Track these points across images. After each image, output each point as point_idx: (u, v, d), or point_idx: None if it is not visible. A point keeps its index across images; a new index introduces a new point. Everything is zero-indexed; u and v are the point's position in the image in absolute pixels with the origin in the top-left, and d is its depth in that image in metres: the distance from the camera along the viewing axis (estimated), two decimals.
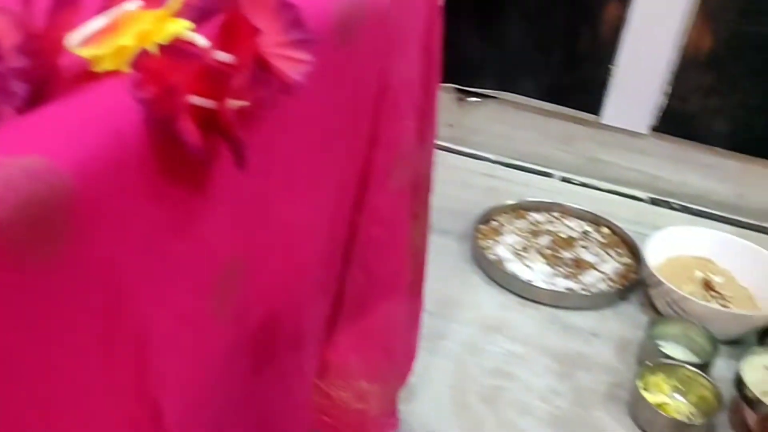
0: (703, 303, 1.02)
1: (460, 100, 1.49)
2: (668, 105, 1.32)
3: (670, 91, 1.30)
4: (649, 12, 1.26)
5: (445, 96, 1.50)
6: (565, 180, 1.44)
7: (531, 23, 1.37)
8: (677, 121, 1.33)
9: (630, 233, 1.24)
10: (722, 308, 1.04)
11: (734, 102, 1.28)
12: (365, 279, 0.70)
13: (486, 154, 1.49)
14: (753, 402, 0.89)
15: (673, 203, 1.39)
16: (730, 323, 1.03)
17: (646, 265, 1.09)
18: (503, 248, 1.20)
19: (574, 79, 1.39)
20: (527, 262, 1.17)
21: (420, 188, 0.75)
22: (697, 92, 1.29)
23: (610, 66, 1.32)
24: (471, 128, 1.51)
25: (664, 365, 0.95)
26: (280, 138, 0.46)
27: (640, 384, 0.92)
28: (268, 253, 0.50)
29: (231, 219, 0.44)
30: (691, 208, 1.37)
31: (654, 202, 1.39)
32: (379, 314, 0.74)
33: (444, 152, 1.51)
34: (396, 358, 0.80)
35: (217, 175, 0.40)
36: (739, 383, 0.91)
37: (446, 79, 1.47)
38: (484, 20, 1.39)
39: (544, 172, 1.46)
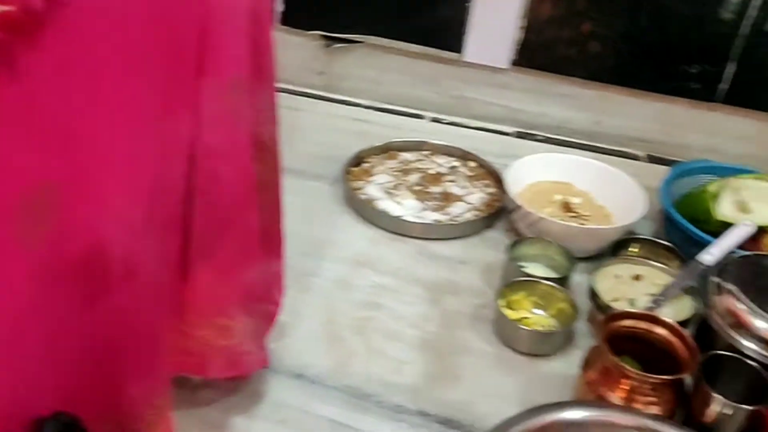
0: (559, 222, 1.08)
1: (327, 46, 1.48)
2: (525, 38, 1.36)
3: (525, 24, 1.34)
4: None
5: (311, 43, 1.49)
6: (435, 120, 1.47)
7: None
8: (535, 54, 1.38)
9: (499, 166, 1.27)
10: (576, 225, 1.09)
11: (586, 32, 1.33)
12: (212, 215, 0.70)
13: (357, 99, 1.50)
14: (603, 308, 0.94)
15: (537, 135, 1.44)
16: (586, 239, 1.08)
17: (507, 192, 1.13)
18: (374, 188, 1.21)
19: (436, 20, 1.40)
20: (397, 199, 1.19)
21: (263, 124, 0.74)
22: (551, 24, 1.34)
23: (466, 4, 1.35)
24: (340, 74, 1.51)
25: (525, 283, 0.99)
26: (79, 57, 0.45)
27: (501, 302, 0.96)
28: (87, 179, 0.49)
29: (29, 141, 0.43)
30: (554, 138, 1.43)
31: (519, 135, 1.44)
32: (231, 250, 0.74)
33: (315, 100, 1.51)
34: (258, 295, 0.81)
35: (3, 94, 0.39)
36: (592, 292, 0.97)
37: (312, 26, 1.47)
38: None
39: (415, 114, 1.48)
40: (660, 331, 0.83)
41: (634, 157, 1.40)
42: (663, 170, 1.22)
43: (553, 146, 1.41)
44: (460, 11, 1.36)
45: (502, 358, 0.94)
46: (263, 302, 0.83)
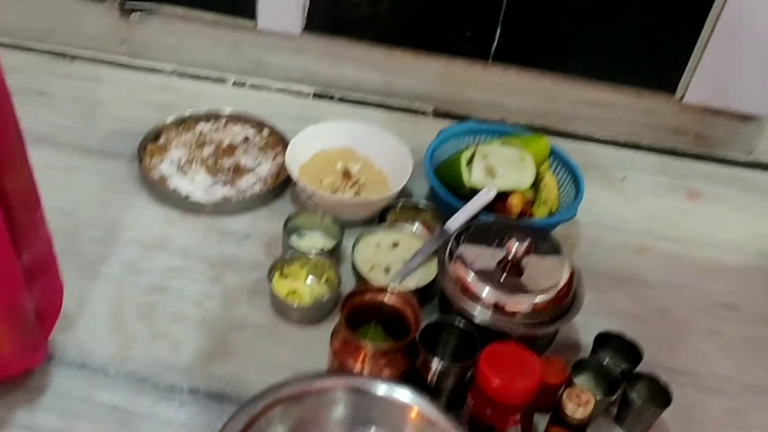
0: (330, 196, 1.18)
1: (125, 15, 1.49)
2: (313, 4, 1.42)
3: None
4: None
5: (110, 12, 1.50)
6: (237, 84, 1.53)
7: None
8: (325, 18, 1.44)
9: (296, 131, 1.34)
10: (345, 199, 1.19)
11: None
12: None
13: (159, 65, 1.53)
14: (361, 278, 1.06)
15: (333, 95, 1.52)
16: (358, 209, 1.19)
17: (287, 167, 1.22)
18: (167, 165, 1.28)
19: None
20: (190, 176, 1.26)
21: None
22: None
23: None
24: (141, 43, 1.53)
25: (298, 255, 1.10)
26: None
27: (273, 276, 1.07)
28: None
29: None
30: (349, 98, 1.52)
31: (316, 95, 1.52)
32: None
33: (117, 68, 1.53)
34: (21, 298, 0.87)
35: None
36: (352, 263, 1.09)
37: None
38: None
39: (218, 78, 1.53)
40: (392, 300, 0.96)
41: (423, 113, 1.51)
42: (449, 125, 1.35)
43: (348, 105, 1.50)
44: None
45: (276, 329, 1.05)
46: (38, 302, 0.89)
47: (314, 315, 1.05)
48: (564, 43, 1.42)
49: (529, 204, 1.19)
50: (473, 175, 1.17)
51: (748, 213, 1.38)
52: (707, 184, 1.44)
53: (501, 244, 0.98)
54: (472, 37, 1.42)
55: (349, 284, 1.09)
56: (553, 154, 1.27)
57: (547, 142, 1.24)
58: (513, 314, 0.94)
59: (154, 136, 1.33)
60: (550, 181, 1.22)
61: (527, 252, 0.96)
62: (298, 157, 1.25)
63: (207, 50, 1.52)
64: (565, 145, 1.38)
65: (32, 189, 0.85)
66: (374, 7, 1.41)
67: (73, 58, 1.53)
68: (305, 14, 1.43)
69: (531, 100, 1.49)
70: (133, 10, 1.48)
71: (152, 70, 1.53)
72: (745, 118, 1.47)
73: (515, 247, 0.96)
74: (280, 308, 1.06)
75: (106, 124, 1.38)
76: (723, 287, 1.21)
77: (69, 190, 1.22)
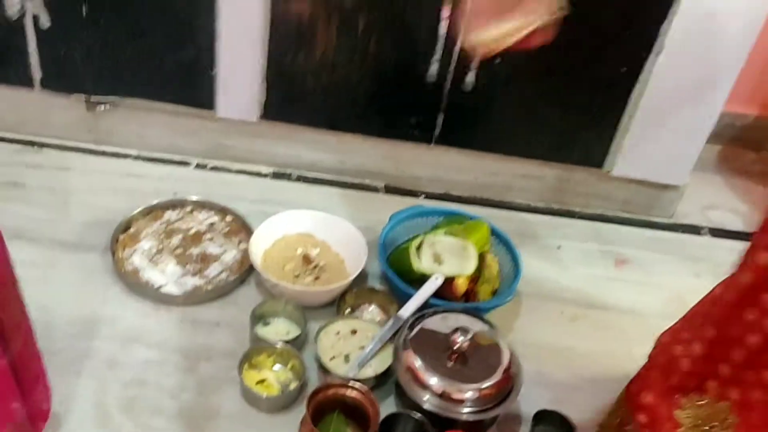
0: (290, 285, 1.29)
1: (91, 108, 1.58)
2: (269, 94, 1.53)
3: (267, 83, 1.51)
4: (234, 26, 1.44)
5: (76, 105, 1.59)
6: (199, 166, 1.63)
7: (141, 38, 1.48)
8: (280, 107, 1.56)
9: (257, 212, 1.45)
10: (304, 289, 1.31)
11: (326, 85, 1.52)
12: None
13: (125, 151, 1.63)
14: (323, 367, 1.18)
15: (291, 174, 1.64)
16: (317, 296, 1.31)
17: (249, 254, 1.33)
18: (139, 256, 1.37)
19: (192, 82, 1.54)
20: (161, 266, 1.36)
21: None
22: (293, 79, 1.51)
23: (211, 72, 1.50)
24: (106, 131, 1.62)
25: (264, 345, 1.21)
26: None
27: (243, 368, 1.17)
28: None
29: None
30: (306, 176, 1.63)
31: (275, 175, 1.63)
32: None
33: (85, 155, 1.62)
34: (11, 407, 0.96)
35: None
36: (315, 352, 1.20)
37: (74, 89, 1.56)
38: (101, 34, 1.48)
39: (180, 162, 1.63)
40: (353, 394, 1.07)
41: (375, 189, 1.64)
42: (399, 200, 1.47)
43: (306, 184, 1.62)
44: (208, 76, 1.51)
45: (248, 417, 1.15)
46: (28, 410, 0.99)
47: (282, 403, 1.16)
48: (500, 126, 1.56)
49: (474, 282, 1.32)
50: (422, 263, 1.30)
51: (670, 276, 1.54)
52: (633, 249, 1.59)
53: (448, 334, 1.11)
54: (416, 124, 1.55)
55: (312, 369, 1.20)
56: (494, 233, 1.41)
57: (487, 227, 1.38)
58: (460, 402, 1.07)
59: (125, 226, 1.42)
60: (491, 262, 1.36)
61: (471, 343, 1.09)
62: (261, 244, 1.36)
63: (169, 135, 1.62)
64: (504, 215, 1.52)
65: (18, 303, 0.95)
66: (326, 97, 1.53)
67: (42, 146, 1.62)
68: (262, 104, 1.54)
69: (472, 175, 1.62)
70: (99, 103, 1.57)
71: (118, 156, 1.62)
72: (665, 186, 1.63)
73: (460, 339, 1.09)
74: (251, 398, 1.17)
75: (78, 214, 1.47)
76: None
77: (46, 285, 1.31)
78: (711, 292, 0.95)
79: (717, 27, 1.42)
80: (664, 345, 1.02)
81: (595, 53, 1.45)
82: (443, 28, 1.41)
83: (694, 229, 1.68)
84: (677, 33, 1.41)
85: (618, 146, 1.56)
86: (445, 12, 1.39)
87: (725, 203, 1.78)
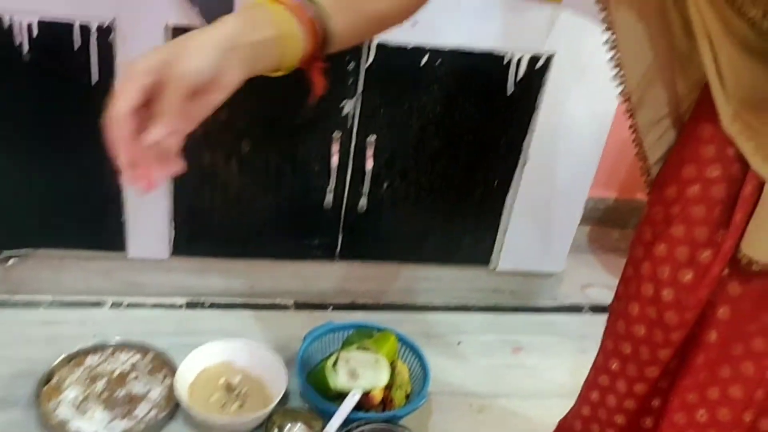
0: (216, 416, 1.37)
1: (2, 261, 1.63)
2: (178, 233, 1.63)
3: (174, 223, 1.61)
4: None
5: None
6: (114, 305, 1.69)
7: (48, 190, 1.55)
8: (189, 242, 1.65)
9: (177, 345, 1.52)
10: (230, 418, 1.39)
11: (234, 216, 1.63)
12: None
13: (39, 299, 1.67)
14: None
15: (204, 302, 1.73)
16: (243, 425, 1.39)
17: (173, 390, 1.40)
18: (66, 406, 1.41)
19: (101, 227, 1.61)
20: (89, 414, 1.41)
21: None
22: (198, 216, 1.62)
23: (119, 218, 1.59)
24: (18, 280, 1.66)
25: None
26: None
27: None
28: None
29: None
30: (218, 303, 1.73)
31: (189, 305, 1.72)
32: None
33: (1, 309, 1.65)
34: None
35: None
36: None
37: None
38: (8, 190, 1.54)
39: (95, 303, 1.69)
40: None
41: (285, 307, 1.75)
42: (309, 314, 1.58)
43: (219, 310, 1.71)
44: (117, 222, 1.59)
45: None
46: None
47: None
48: (395, 238, 1.72)
49: (389, 390, 1.44)
50: (339, 380, 1.41)
51: (561, 357, 1.71)
52: (526, 335, 1.76)
53: None
54: (319, 245, 1.68)
55: None
56: (401, 340, 1.54)
57: (394, 338, 1.51)
58: None
59: (47, 378, 1.46)
60: (402, 368, 1.48)
61: None
62: (184, 380, 1.43)
63: (83, 279, 1.68)
64: (408, 317, 1.66)
65: None
66: (233, 228, 1.64)
67: None
68: (171, 242, 1.63)
69: (375, 284, 1.76)
70: (10, 257, 1.62)
71: (33, 304, 1.66)
72: (546, 274, 1.83)
73: None
74: None
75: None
76: None
77: None
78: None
79: (573, 132, 1.64)
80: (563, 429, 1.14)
81: (470, 171, 1.64)
82: (334, 162, 1.56)
83: (576, 309, 1.87)
84: (538, 144, 1.63)
85: (500, 245, 1.75)
86: (335, 148, 1.55)
87: (599, 280, 1.99)
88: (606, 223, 2.16)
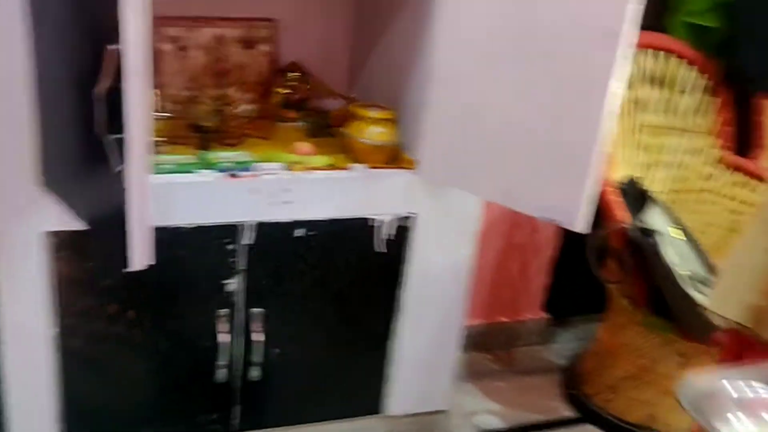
0: None
1: None
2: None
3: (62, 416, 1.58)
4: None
5: None
6: None
7: None
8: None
9: None
10: None
11: (125, 397, 1.62)
12: None
13: None
14: None
15: None
16: None
17: None
18: None
19: None
20: None
21: None
22: (91, 413, 1.60)
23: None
24: None
25: None
26: None
27: None
28: None
29: None
30: None
31: None
32: None
33: None
34: None
35: None
36: None
37: None
38: None
39: None
40: None
41: None
42: None
43: None
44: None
45: None
46: None
47: None
48: (290, 402, 1.77)
49: None
50: None
51: None
52: None
53: None
54: (217, 419, 1.71)
55: None
56: None
57: None
58: None
59: None
60: None
61: None
62: None
63: None
64: None
65: None
66: (126, 411, 1.63)
67: None
68: None
69: None
70: None
71: None
72: (435, 411, 1.93)
73: None
74: None
75: None
76: None
77: None
78: None
79: (440, 277, 1.79)
80: None
81: (354, 326, 1.75)
82: (223, 339, 1.62)
83: None
84: (410, 293, 1.76)
85: (388, 392, 1.84)
86: (222, 326, 1.61)
87: (482, 406, 2.11)
88: (479, 348, 2.30)
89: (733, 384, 0.92)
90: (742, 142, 2.14)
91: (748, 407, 0.89)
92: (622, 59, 1.34)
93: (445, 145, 1.60)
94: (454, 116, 1.57)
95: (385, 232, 1.69)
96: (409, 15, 1.67)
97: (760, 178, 2.07)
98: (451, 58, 1.54)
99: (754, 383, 0.92)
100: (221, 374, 1.65)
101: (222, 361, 1.64)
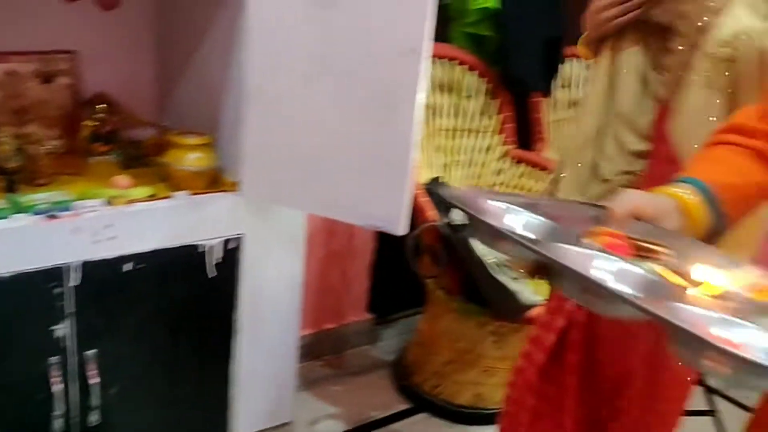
0: None
1: None
2: None
3: None
4: None
5: None
6: None
7: None
8: None
9: None
10: None
11: None
12: None
13: None
14: None
15: None
16: None
17: None
18: None
19: None
20: None
21: None
22: None
23: None
24: None
25: None
26: None
27: None
28: None
29: None
30: None
31: None
32: None
33: None
34: None
35: None
36: None
37: None
38: None
39: None
40: None
41: None
42: None
43: None
44: None
45: None
46: None
47: None
48: None
49: None
50: None
51: None
52: None
53: None
54: None
55: None
56: None
57: None
58: None
59: None
60: None
61: None
62: None
63: None
64: None
65: None
66: None
67: None
68: None
69: None
70: None
71: None
72: (281, 425, 1.97)
73: None
74: None
75: None
76: None
77: None
78: None
79: (273, 293, 1.83)
80: None
81: (193, 354, 1.75)
82: (56, 388, 1.54)
83: None
84: (245, 312, 1.79)
85: (233, 413, 1.85)
86: (54, 374, 1.54)
87: (321, 413, 2.18)
88: (310, 356, 2.36)
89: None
90: (526, 138, 2.40)
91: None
92: (424, 72, 1.47)
93: (265, 164, 1.65)
94: (273, 134, 1.62)
95: (215, 256, 1.70)
96: (219, 35, 1.70)
97: (544, 168, 2.33)
98: (265, 77, 1.59)
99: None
100: (58, 424, 1.57)
101: (58, 410, 1.56)
